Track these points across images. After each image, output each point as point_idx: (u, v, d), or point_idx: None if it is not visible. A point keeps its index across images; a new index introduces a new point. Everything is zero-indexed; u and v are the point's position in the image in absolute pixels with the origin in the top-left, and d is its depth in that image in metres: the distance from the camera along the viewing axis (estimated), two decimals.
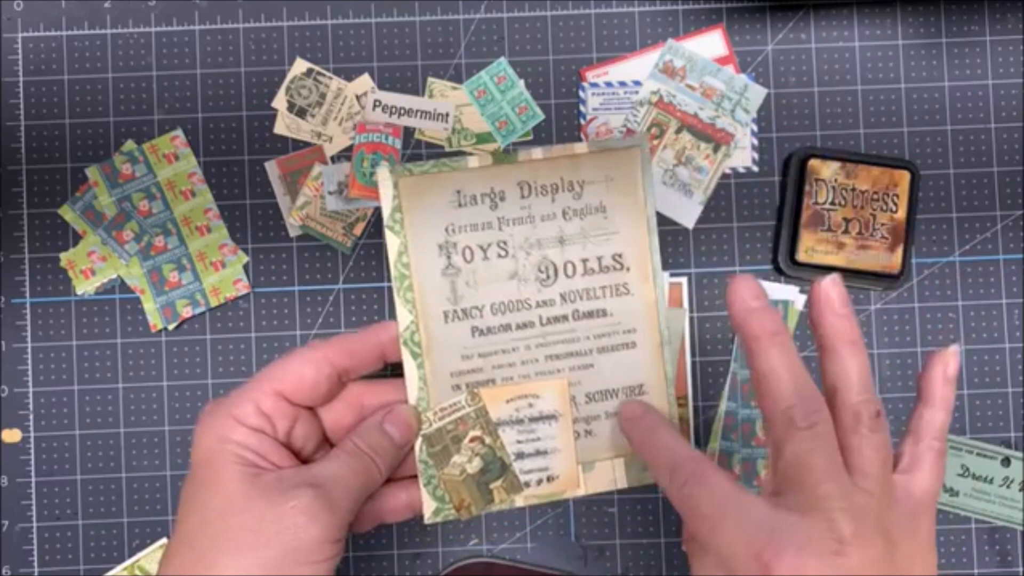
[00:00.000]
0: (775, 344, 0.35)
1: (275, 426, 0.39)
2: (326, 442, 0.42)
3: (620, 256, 0.42)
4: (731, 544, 0.33)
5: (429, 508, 0.41)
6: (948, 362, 0.37)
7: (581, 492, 0.42)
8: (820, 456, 0.33)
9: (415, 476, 0.41)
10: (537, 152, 0.41)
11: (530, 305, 0.41)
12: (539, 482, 0.42)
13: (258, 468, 0.38)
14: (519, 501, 0.41)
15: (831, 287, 0.36)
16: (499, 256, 0.41)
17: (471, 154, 0.41)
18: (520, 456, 0.41)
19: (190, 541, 0.37)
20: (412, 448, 0.41)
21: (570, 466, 0.41)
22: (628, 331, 0.42)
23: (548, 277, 0.42)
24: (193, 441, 0.39)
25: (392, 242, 0.41)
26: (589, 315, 0.42)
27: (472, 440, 0.41)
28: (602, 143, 0.42)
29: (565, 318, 0.42)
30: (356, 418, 0.41)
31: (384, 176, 0.41)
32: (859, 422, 0.34)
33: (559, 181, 0.41)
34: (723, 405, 0.54)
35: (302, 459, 0.40)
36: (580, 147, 0.42)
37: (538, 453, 0.41)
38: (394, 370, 0.42)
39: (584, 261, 0.42)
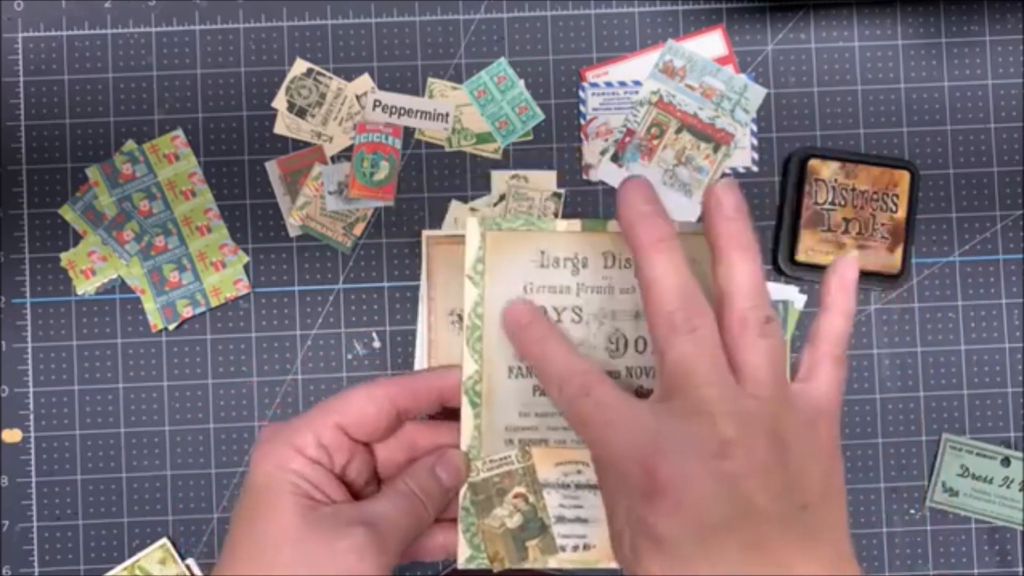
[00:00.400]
0: (662, 250, 0.34)
1: (333, 459, 0.39)
2: (375, 477, 0.42)
3: None
4: (619, 452, 0.33)
5: (464, 554, 0.41)
6: (846, 268, 0.36)
7: (615, 565, 0.41)
8: (702, 360, 0.33)
9: (453, 519, 0.41)
10: None
11: None
12: (575, 548, 0.41)
13: (314, 501, 0.37)
14: (552, 563, 0.42)
15: (724, 191, 0.35)
16: (572, 321, 0.41)
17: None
18: (560, 520, 0.41)
19: (241, 567, 0.37)
20: (457, 492, 0.41)
21: (608, 538, 0.41)
22: None
23: (617, 349, 0.41)
24: (250, 464, 0.38)
25: (470, 292, 0.41)
26: (651, 394, 0.42)
27: (516, 496, 0.41)
28: (689, 226, 0.41)
29: None
30: (407, 456, 0.41)
31: (472, 227, 0.41)
32: (745, 328, 0.33)
33: None
34: None
35: (353, 492, 0.40)
36: None
37: (578, 520, 0.41)
38: (447, 413, 0.43)
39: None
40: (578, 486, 0.41)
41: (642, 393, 0.41)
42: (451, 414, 0.42)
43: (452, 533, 0.41)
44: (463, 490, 0.41)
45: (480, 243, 0.41)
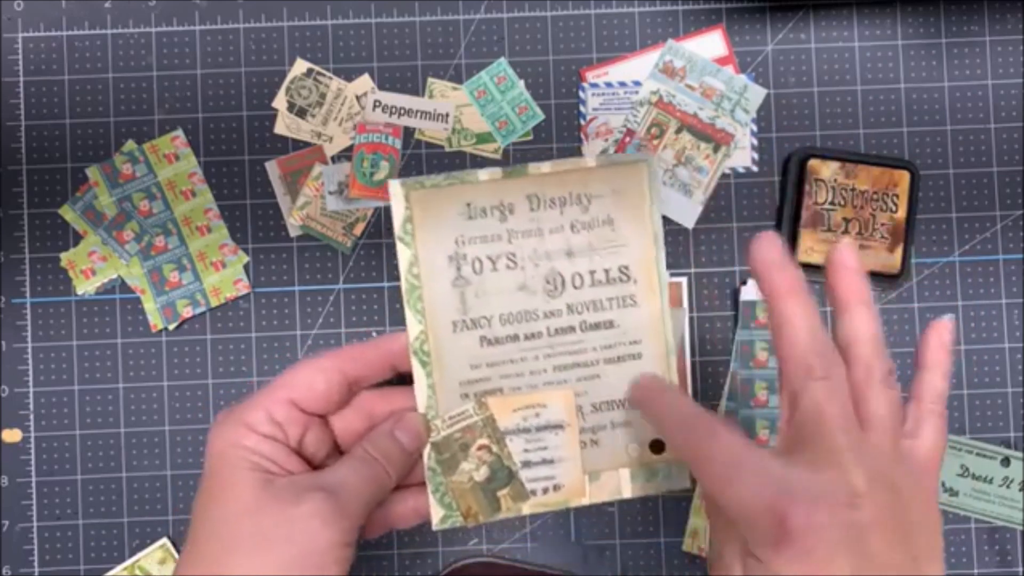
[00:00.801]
0: (797, 298, 0.35)
1: (287, 433, 0.39)
2: (337, 449, 0.42)
3: (627, 268, 0.42)
4: (745, 499, 0.33)
5: (437, 515, 0.41)
6: (943, 330, 0.38)
7: (586, 501, 0.42)
8: (835, 407, 0.34)
9: (423, 483, 0.42)
10: (546, 166, 0.42)
11: (538, 316, 0.42)
12: (545, 491, 0.42)
13: (270, 474, 0.38)
14: (525, 509, 0.42)
15: (848, 250, 0.37)
16: (508, 268, 0.42)
17: (481, 167, 0.41)
18: (527, 465, 0.42)
19: (202, 547, 0.37)
20: (421, 455, 0.41)
21: (576, 475, 0.42)
22: (634, 342, 0.42)
23: (556, 288, 0.42)
24: (206, 448, 0.39)
25: (403, 253, 0.41)
26: (596, 326, 0.42)
27: (479, 448, 0.42)
28: (610, 158, 0.42)
29: (572, 329, 0.42)
30: (366, 425, 0.42)
31: (396, 189, 0.41)
32: (871, 376, 0.35)
33: (567, 194, 0.42)
34: (723, 405, 0.54)
35: (314, 466, 0.40)
36: (589, 161, 0.42)
37: (544, 462, 0.42)
38: (403, 379, 0.43)
39: (591, 273, 0.42)
40: (539, 428, 0.42)
41: (587, 326, 0.41)
42: (407, 380, 0.42)
43: (423, 497, 0.41)
44: (427, 451, 0.41)
45: (405, 204, 0.41)
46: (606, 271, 0.42)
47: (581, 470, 0.42)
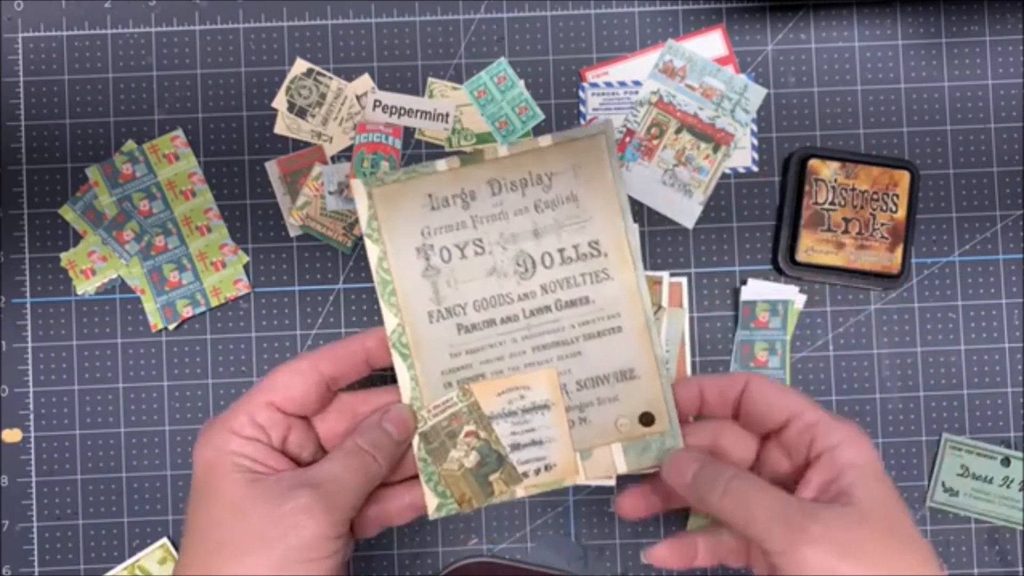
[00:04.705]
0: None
1: (269, 435, 0.40)
2: (322, 452, 0.42)
3: (596, 243, 0.42)
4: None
5: (432, 504, 0.42)
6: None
7: (581, 479, 0.42)
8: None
9: (416, 476, 0.42)
10: (503, 149, 0.42)
11: (512, 299, 0.42)
12: (537, 472, 0.42)
13: (257, 473, 0.38)
14: (520, 492, 0.42)
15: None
16: (476, 254, 0.42)
17: (439, 158, 0.42)
18: (516, 447, 0.42)
19: (195, 551, 0.37)
20: (410, 446, 0.42)
21: (567, 454, 0.42)
22: (612, 316, 0.42)
23: (527, 270, 0.43)
24: (193, 458, 0.39)
25: (372, 250, 0.42)
26: (571, 304, 0.43)
27: (467, 435, 0.42)
28: (566, 134, 0.43)
29: (548, 309, 0.42)
30: (350, 426, 0.42)
31: (358, 188, 0.42)
32: None
33: (527, 175, 0.43)
34: None
35: (300, 465, 0.41)
36: (544, 140, 0.43)
37: (533, 443, 0.42)
38: (386, 378, 0.43)
39: (561, 251, 0.42)
40: (524, 410, 0.42)
41: (563, 304, 0.42)
42: (389, 381, 0.43)
43: (417, 491, 0.42)
44: (415, 442, 0.42)
45: (368, 202, 0.42)
46: (575, 247, 0.42)
47: (572, 448, 0.42)
